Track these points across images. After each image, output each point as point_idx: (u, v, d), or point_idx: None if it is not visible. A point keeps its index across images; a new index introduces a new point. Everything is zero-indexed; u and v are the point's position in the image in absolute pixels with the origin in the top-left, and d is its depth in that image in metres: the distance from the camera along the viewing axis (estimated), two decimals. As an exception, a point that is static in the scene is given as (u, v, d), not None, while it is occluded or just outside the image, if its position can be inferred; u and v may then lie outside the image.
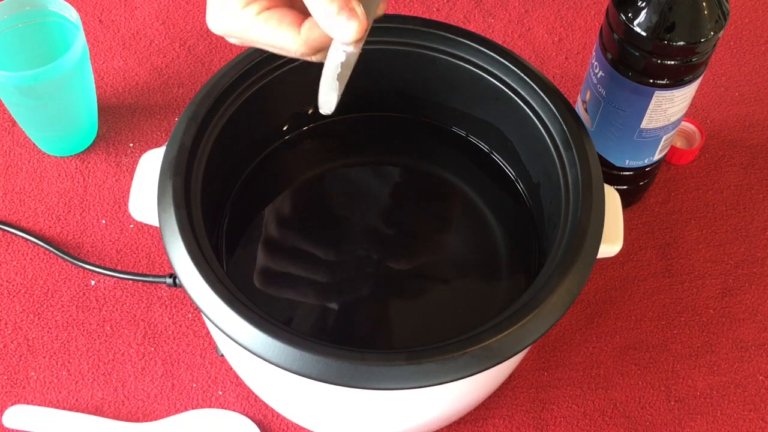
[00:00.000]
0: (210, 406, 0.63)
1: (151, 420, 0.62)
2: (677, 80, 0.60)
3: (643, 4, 0.57)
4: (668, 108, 0.62)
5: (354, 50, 0.45)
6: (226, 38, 0.49)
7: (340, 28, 0.44)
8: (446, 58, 0.59)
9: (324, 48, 0.46)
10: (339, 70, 0.45)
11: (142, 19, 0.82)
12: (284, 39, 0.46)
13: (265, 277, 0.58)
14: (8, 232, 0.69)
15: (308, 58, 0.47)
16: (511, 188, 0.62)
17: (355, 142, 0.65)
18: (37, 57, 0.69)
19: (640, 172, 0.69)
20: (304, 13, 0.48)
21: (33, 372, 0.64)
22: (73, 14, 0.68)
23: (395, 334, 0.57)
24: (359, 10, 0.44)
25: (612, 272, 0.70)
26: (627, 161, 0.67)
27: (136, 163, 0.72)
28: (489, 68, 0.59)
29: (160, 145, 0.69)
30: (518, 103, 0.58)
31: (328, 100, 0.45)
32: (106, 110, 0.77)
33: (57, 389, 0.63)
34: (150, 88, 0.78)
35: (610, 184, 0.65)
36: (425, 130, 0.65)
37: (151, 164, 0.55)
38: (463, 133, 0.64)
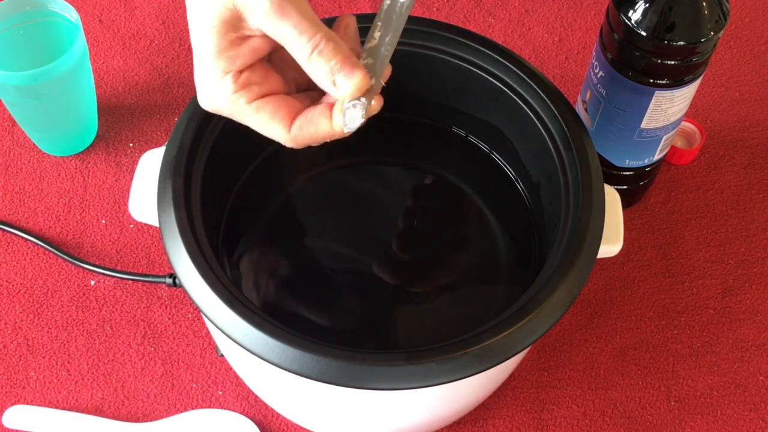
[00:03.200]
0: (210, 406, 0.63)
1: (151, 420, 0.62)
2: (677, 80, 0.60)
3: (644, 4, 0.57)
4: (668, 108, 0.62)
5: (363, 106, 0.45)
6: None
7: (341, 82, 0.44)
8: (446, 58, 0.59)
9: (313, 143, 0.47)
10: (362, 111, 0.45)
11: (142, 19, 0.82)
12: (274, 133, 0.46)
13: (267, 284, 0.58)
14: (8, 232, 0.69)
15: None
16: (511, 188, 0.62)
17: (354, 142, 0.65)
18: (37, 57, 0.69)
19: (640, 172, 0.69)
20: (299, 88, 0.48)
21: (33, 372, 0.64)
22: (73, 14, 0.68)
23: (395, 334, 0.57)
24: (359, 63, 0.44)
25: (612, 272, 0.70)
26: (627, 161, 0.67)
27: (136, 163, 0.72)
28: (489, 68, 0.59)
29: (160, 145, 0.69)
30: (518, 103, 0.58)
31: (353, 117, 0.45)
32: (106, 110, 0.76)
33: (57, 389, 0.63)
34: (150, 88, 0.78)
35: (610, 184, 0.65)
36: (425, 130, 0.65)
37: (151, 164, 0.55)
38: (463, 133, 0.64)
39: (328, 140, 0.47)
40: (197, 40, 0.45)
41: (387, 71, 0.47)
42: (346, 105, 0.45)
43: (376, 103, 0.46)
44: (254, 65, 0.46)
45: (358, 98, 0.45)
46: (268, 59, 0.47)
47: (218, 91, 0.45)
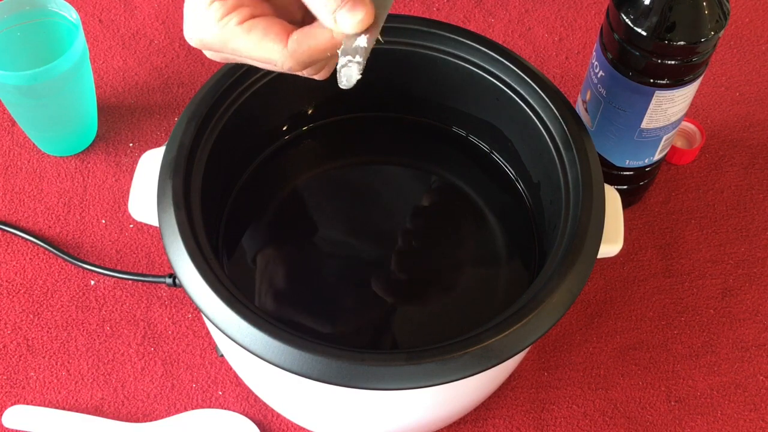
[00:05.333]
0: (210, 406, 0.63)
1: (151, 420, 0.62)
2: (677, 80, 0.60)
3: (644, 4, 0.57)
4: (668, 108, 0.62)
5: (369, 42, 0.41)
6: (205, 52, 0.45)
7: (343, 18, 0.40)
8: (446, 58, 0.59)
9: (314, 63, 0.43)
10: (359, 51, 0.42)
11: (142, 19, 0.82)
12: (269, 52, 0.43)
13: (267, 284, 0.58)
14: (8, 232, 0.69)
15: (298, 73, 0.44)
16: (511, 188, 0.62)
17: (355, 142, 0.65)
18: (37, 57, 0.69)
19: (640, 172, 0.69)
20: (293, 23, 0.44)
21: (33, 372, 0.64)
22: (72, 14, 0.68)
23: (396, 334, 0.57)
24: None
25: (612, 272, 0.69)
26: (627, 161, 0.67)
27: (136, 163, 0.72)
28: (489, 68, 0.59)
29: (160, 145, 0.69)
30: (518, 103, 0.58)
31: (348, 74, 0.42)
32: (106, 110, 0.76)
33: (57, 389, 0.63)
34: (150, 88, 0.78)
35: (611, 184, 0.65)
36: (425, 130, 0.65)
37: (150, 164, 0.55)
38: (463, 133, 0.64)
39: (329, 54, 0.43)
40: None
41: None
42: (341, 63, 0.42)
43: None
44: None
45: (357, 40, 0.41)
46: (270, 2, 0.45)
47: (206, 18, 0.43)
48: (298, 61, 0.43)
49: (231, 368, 0.64)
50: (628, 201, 0.72)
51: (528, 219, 0.61)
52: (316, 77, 0.46)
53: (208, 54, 0.45)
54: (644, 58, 0.59)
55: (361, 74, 0.42)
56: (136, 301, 0.67)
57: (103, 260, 0.69)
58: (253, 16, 0.43)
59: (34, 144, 0.74)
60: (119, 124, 0.76)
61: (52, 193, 0.72)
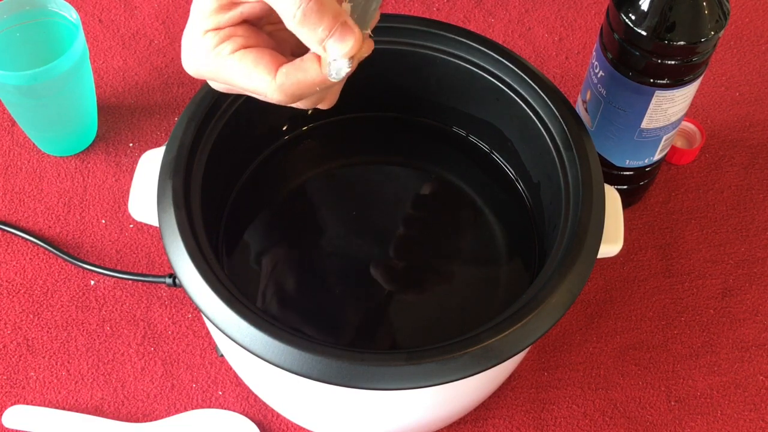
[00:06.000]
0: (210, 406, 0.63)
1: (151, 420, 0.62)
2: (677, 80, 0.60)
3: (644, 4, 0.57)
4: (668, 108, 0.62)
5: (351, 67, 0.42)
6: (209, 82, 0.46)
7: (333, 47, 0.41)
8: (446, 58, 0.59)
9: (302, 96, 0.44)
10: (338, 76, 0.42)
11: (142, 19, 0.82)
12: (257, 83, 0.43)
13: (267, 284, 0.58)
14: (8, 232, 0.69)
15: (293, 106, 0.45)
16: (511, 188, 0.62)
17: (355, 142, 0.65)
18: (37, 57, 0.69)
19: (640, 172, 0.69)
20: (295, 56, 0.45)
21: (33, 372, 0.64)
22: (72, 14, 0.68)
23: (395, 334, 0.57)
24: (351, 22, 0.41)
25: (612, 272, 0.69)
26: (627, 161, 0.67)
27: (136, 163, 0.72)
28: (489, 68, 0.59)
29: (160, 145, 0.69)
30: (518, 103, 0.58)
31: (338, 68, 0.42)
32: (106, 110, 0.77)
33: (57, 389, 0.63)
34: (150, 88, 0.78)
35: (611, 184, 0.65)
36: (425, 130, 0.65)
37: (150, 164, 0.55)
38: (463, 133, 0.64)
39: (317, 89, 0.43)
40: (194, 4, 0.44)
41: (376, 16, 0.44)
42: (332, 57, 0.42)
43: (366, 48, 0.42)
44: (241, 24, 0.44)
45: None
46: (268, 33, 0.46)
47: (200, 46, 0.43)
48: (286, 94, 0.43)
49: (231, 368, 0.64)
50: (628, 201, 0.72)
51: (528, 219, 0.61)
52: (320, 106, 0.46)
53: (211, 84, 0.46)
54: (644, 58, 0.59)
55: (350, 68, 0.42)
56: (136, 301, 0.67)
57: (103, 260, 0.69)
58: (245, 47, 0.43)
59: (34, 144, 0.74)
60: (119, 124, 0.76)
61: (52, 193, 0.72)
